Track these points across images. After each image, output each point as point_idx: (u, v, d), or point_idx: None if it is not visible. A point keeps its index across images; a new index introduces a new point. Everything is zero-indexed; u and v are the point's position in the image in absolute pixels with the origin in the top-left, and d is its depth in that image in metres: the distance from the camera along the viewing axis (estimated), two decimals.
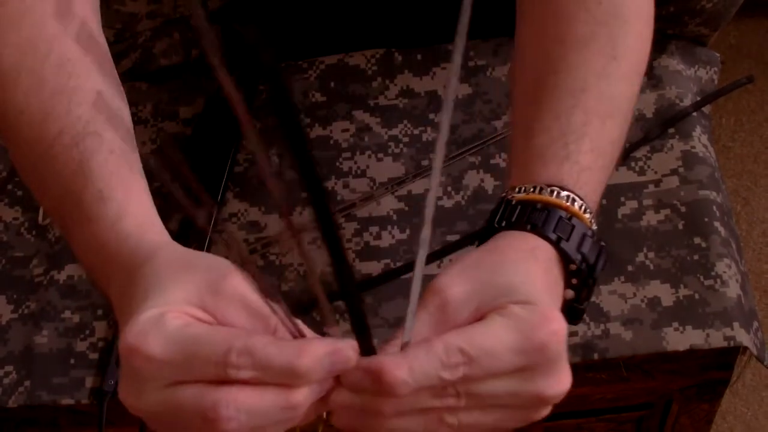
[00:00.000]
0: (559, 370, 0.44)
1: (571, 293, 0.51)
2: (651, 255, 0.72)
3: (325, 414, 0.44)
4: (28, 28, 0.54)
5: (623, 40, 0.56)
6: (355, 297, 0.40)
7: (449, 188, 0.77)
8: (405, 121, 0.81)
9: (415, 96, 0.82)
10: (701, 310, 0.70)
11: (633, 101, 0.57)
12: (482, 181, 0.77)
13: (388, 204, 0.77)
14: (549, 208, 0.50)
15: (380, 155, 0.79)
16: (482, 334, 0.43)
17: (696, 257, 0.72)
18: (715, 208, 0.75)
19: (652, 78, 0.81)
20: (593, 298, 0.70)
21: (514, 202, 0.51)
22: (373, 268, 0.74)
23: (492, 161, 0.78)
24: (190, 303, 0.43)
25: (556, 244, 0.49)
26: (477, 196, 0.77)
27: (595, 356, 0.69)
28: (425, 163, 0.78)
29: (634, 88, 0.57)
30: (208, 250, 0.74)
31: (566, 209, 0.50)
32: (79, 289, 0.76)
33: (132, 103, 0.81)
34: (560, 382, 0.44)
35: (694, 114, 0.79)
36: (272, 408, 0.41)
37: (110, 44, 0.59)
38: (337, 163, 0.79)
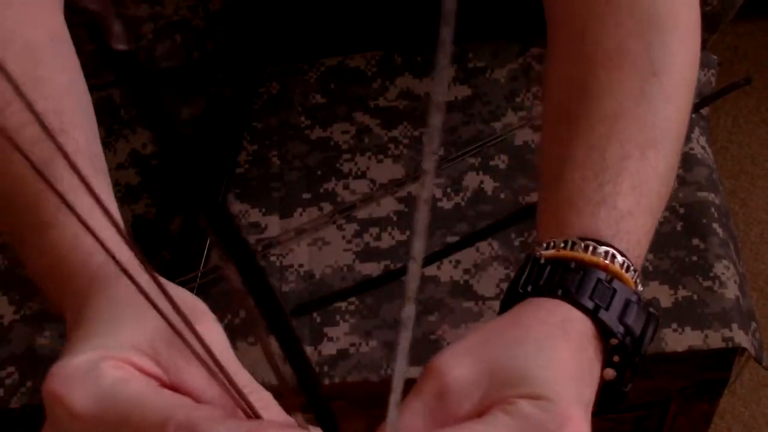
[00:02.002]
0: None
1: (611, 373, 0.43)
2: (650, 256, 0.72)
3: None
4: None
5: (663, 52, 0.48)
6: (319, 394, 0.32)
7: (449, 189, 0.77)
8: (405, 123, 0.81)
9: (416, 98, 0.82)
10: (700, 311, 0.70)
11: (683, 125, 0.49)
12: (482, 182, 0.78)
13: (388, 205, 0.77)
14: (584, 268, 0.42)
15: (380, 157, 0.80)
16: None
17: (694, 258, 0.72)
18: (713, 209, 0.75)
19: None
20: None
21: (542, 261, 0.43)
22: (373, 269, 0.74)
23: (491, 163, 0.78)
24: (138, 349, 0.36)
25: (593, 314, 0.41)
26: (476, 198, 0.77)
27: None
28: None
29: (681, 107, 0.49)
30: (209, 253, 0.74)
31: (605, 268, 0.42)
32: None
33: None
34: None
35: (693, 116, 0.79)
36: None
37: None
38: (337, 165, 0.79)
